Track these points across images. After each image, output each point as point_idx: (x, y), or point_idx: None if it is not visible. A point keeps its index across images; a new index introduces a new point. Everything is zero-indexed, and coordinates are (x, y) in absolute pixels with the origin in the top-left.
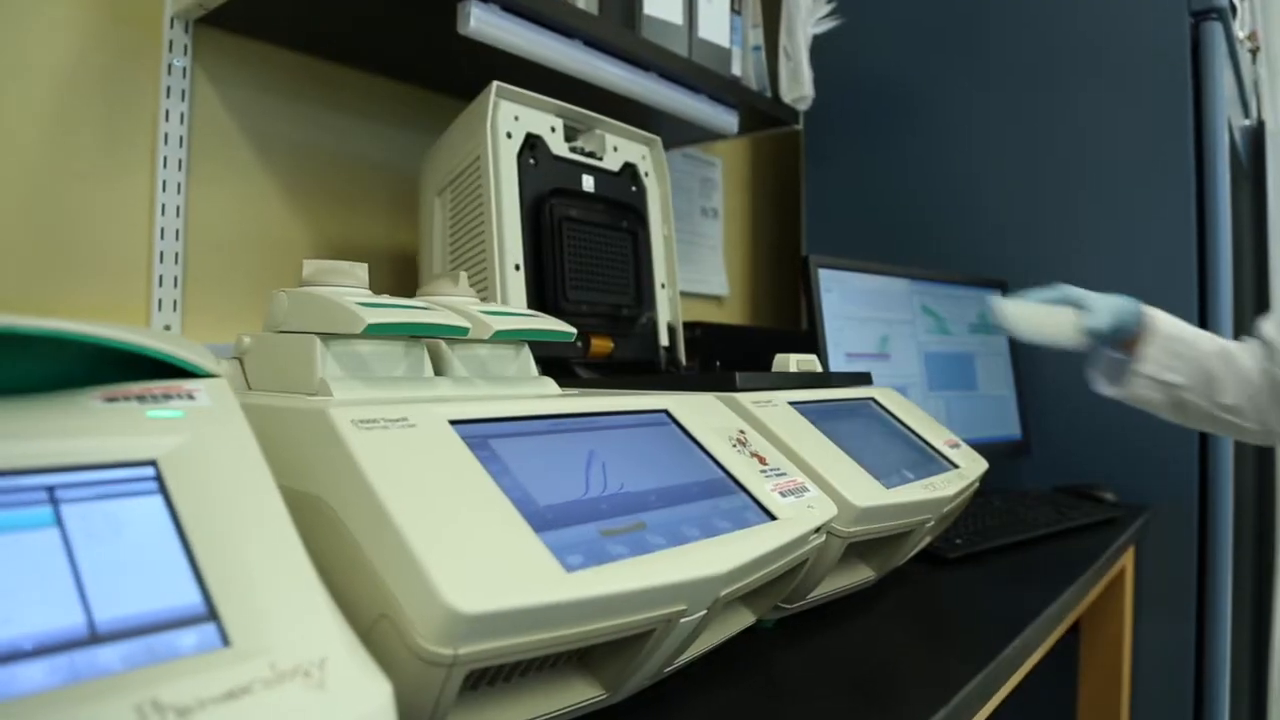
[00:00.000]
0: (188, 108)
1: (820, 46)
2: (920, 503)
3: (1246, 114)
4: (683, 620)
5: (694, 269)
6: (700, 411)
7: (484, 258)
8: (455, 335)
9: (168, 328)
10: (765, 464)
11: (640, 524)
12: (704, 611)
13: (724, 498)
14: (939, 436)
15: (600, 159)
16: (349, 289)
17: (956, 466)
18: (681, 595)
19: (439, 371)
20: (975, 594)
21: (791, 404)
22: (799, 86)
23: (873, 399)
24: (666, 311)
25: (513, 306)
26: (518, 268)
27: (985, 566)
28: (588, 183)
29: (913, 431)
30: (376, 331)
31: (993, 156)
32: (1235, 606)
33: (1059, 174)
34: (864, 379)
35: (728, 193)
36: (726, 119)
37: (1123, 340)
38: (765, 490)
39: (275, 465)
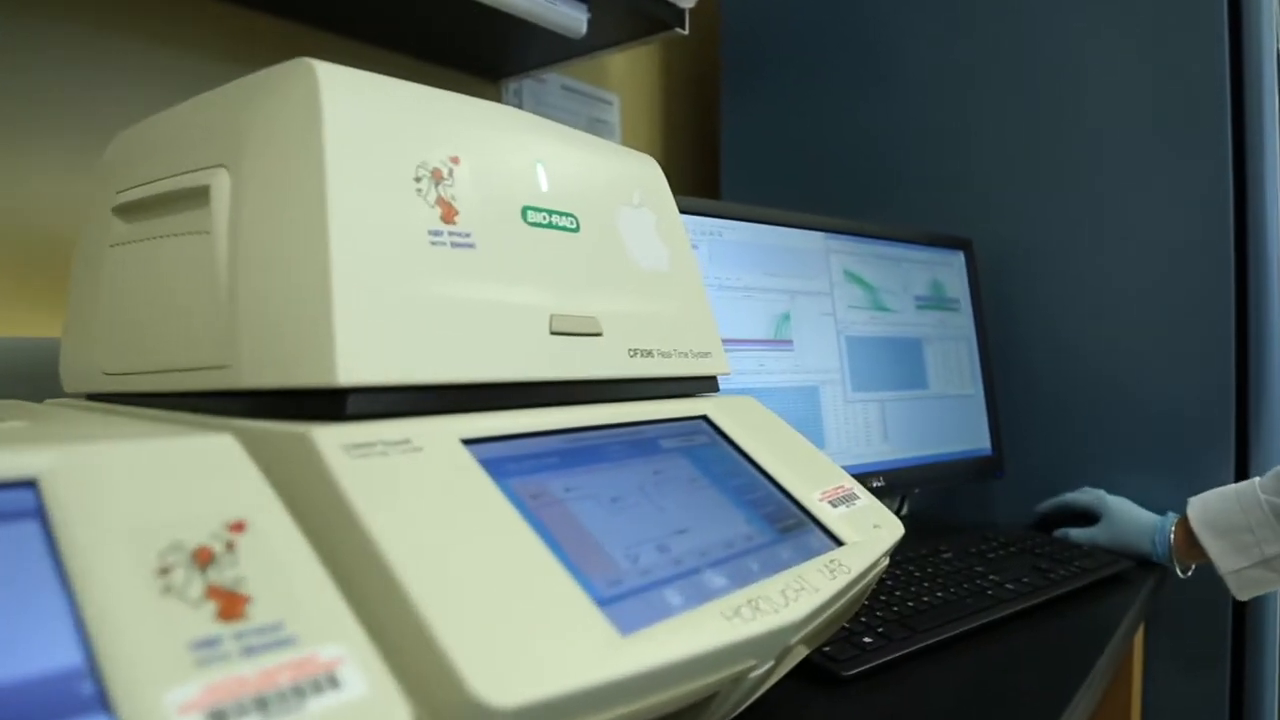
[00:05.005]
0: None
1: None
2: (713, 654)
3: None
4: None
5: None
6: (143, 484)
7: None
8: None
9: None
10: (237, 619)
11: None
12: None
13: None
14: (816, 484)
15: None
16: None
17: (839, 543)
18: None
19: None
20: None
21: (469, 444)
22: None
23: (704, 419)
24: None
25: None
26: None
27: (909, 684)
28: None
29: (768, 479)
30: None
31: (961, 86)
32: None
33: (1050, 107)
34: (703, 385)
35: (629, 137)
36: (569, 15)
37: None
38: (167, 708)
39: None
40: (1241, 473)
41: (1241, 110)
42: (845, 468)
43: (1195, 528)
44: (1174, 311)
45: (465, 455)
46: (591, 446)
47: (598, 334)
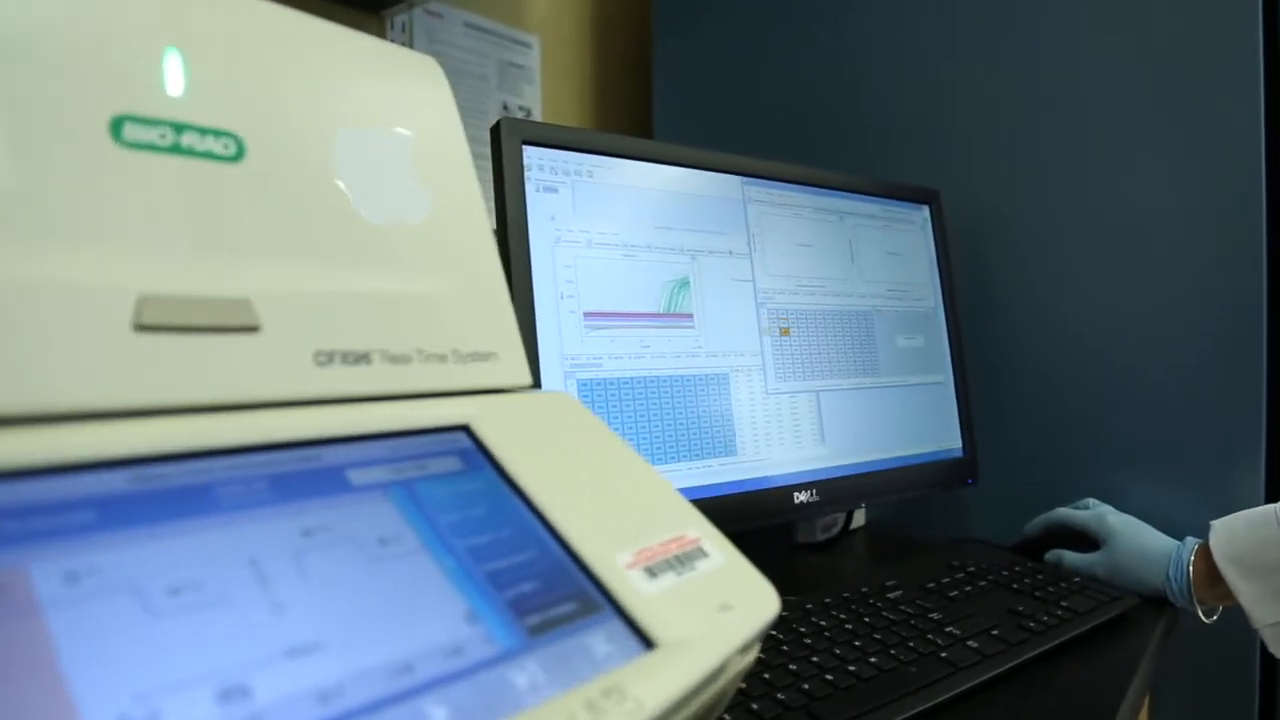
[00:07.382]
0: None
1: None
2: None
3: None
4: None
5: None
6: None
7: None
8: None
9: None
10: None
11: None
12: None
13: None
14: (631, 537)
15: None
16: None
17: (647, 645)
18: None
19: None
20: None
21: None
22: None
23: (465, 430)
24: None
25: None
26: None
27: None
28: None
29: (549, 531)
30: None
31: (933, 14)
32: None
33: (1043, 37)
34: (479, 390)
35: (549, 85)
36: None
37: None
38: None
39: None
40: (1274, 479)
41: (1276, 53)
42: (764, 479)
43: (1220, 564)
44: (1190, 282)
45: None
46: (186, 489)
47: (249, 328)
